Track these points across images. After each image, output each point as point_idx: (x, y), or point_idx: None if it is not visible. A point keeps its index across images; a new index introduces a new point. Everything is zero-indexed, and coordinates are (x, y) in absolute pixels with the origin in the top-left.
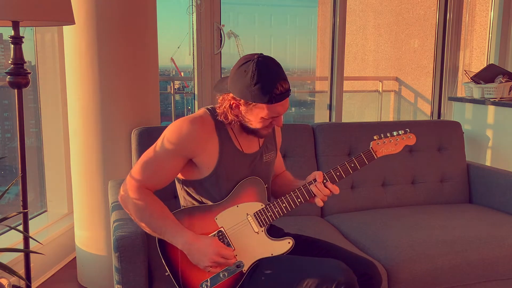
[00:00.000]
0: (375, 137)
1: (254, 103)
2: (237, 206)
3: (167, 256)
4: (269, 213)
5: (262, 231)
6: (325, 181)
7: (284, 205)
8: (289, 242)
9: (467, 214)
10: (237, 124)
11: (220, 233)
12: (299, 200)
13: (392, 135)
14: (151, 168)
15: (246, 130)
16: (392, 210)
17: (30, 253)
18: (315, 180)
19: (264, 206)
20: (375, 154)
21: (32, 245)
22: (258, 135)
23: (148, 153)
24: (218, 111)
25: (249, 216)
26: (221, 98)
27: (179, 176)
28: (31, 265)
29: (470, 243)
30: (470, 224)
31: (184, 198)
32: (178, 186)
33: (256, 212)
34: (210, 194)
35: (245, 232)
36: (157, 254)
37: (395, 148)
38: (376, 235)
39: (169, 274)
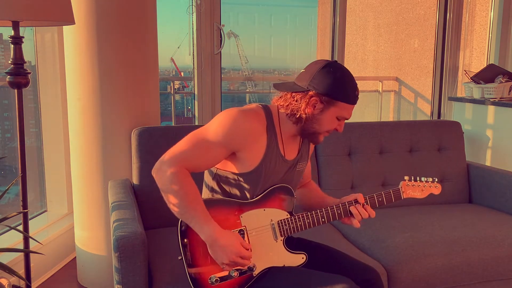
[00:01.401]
0: (405, 178)
1: (336, 101)
2: (264, 210)
3: (185, 242)
4: (292, 225)
5: (281, 240)
6: (365, 203)
7: (308, 220)
8: (302, 258)
9: (467, 214)
10: (289, 126)
11: (241, 232)
12: (323, 219)
13: (421, 181)
14: (195, 150)
15: (305, 133)
16: (392, 210)
17: (30, 253)
18: (355, 201)
19: (289, 216)
20: (402, 194)
21: (32, 245)
22: (315, 140)
23: (196, 134)
24: (285, 110)
25: (273, 222)
26: (288, 95)
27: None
28: (31, 265)
29: (470, 243)
30: (470, 224)
31: (211, 189)
32: (209, 176)
33: (281, 220)
34: (242, 191)
35: (265, 237)
36: (158, 253)
37: (421, 194)
38: (376, 235)
39: (182, 258)
